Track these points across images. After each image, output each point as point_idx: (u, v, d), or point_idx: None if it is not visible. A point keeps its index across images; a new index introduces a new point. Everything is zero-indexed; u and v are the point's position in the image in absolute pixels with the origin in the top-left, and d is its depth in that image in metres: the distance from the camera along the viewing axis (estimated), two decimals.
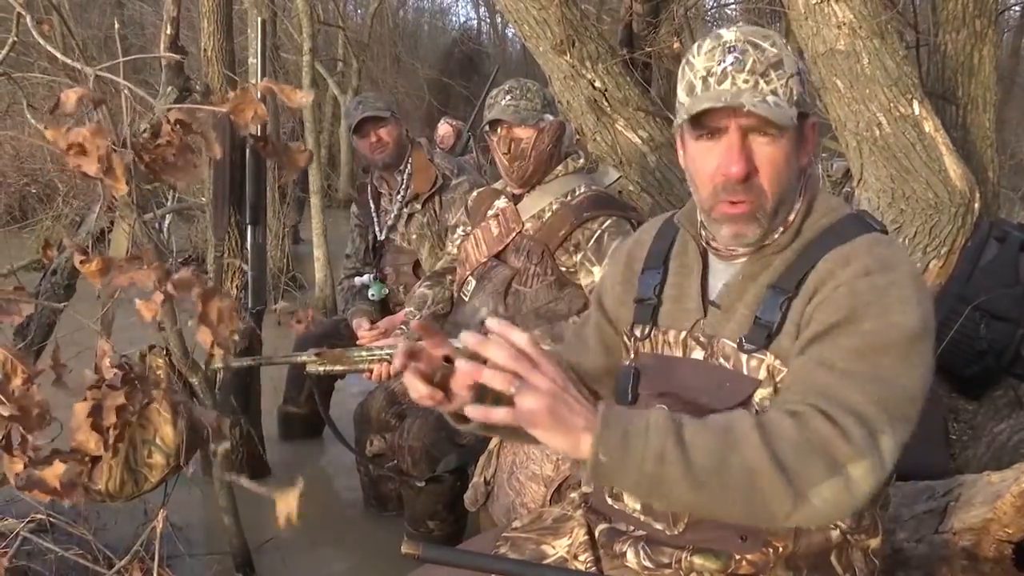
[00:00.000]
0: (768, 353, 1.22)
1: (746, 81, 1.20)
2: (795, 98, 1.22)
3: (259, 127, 1.06)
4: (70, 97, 1.02)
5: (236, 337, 1.04)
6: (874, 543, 1.30)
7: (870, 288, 1.16)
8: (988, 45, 2.64)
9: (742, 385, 1.24)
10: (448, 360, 1.18)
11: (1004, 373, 2.40)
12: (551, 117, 2.46)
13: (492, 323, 1.07)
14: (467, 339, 1.06)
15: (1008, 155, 7.05)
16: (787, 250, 1.28)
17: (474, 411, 1.05)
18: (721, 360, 1.27)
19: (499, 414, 1.03)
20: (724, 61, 1.21)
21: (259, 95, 1.11)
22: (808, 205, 1.29)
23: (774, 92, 1.20)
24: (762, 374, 1.23)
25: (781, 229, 1.28)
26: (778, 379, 1.21)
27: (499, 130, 2.43)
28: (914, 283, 1.19)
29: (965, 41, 2.63)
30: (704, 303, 1.32)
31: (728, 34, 1.24)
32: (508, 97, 2.42)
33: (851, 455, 1.04)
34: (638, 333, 1.39)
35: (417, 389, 1.18)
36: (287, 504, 1.02)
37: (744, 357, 1.24)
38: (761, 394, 1.22)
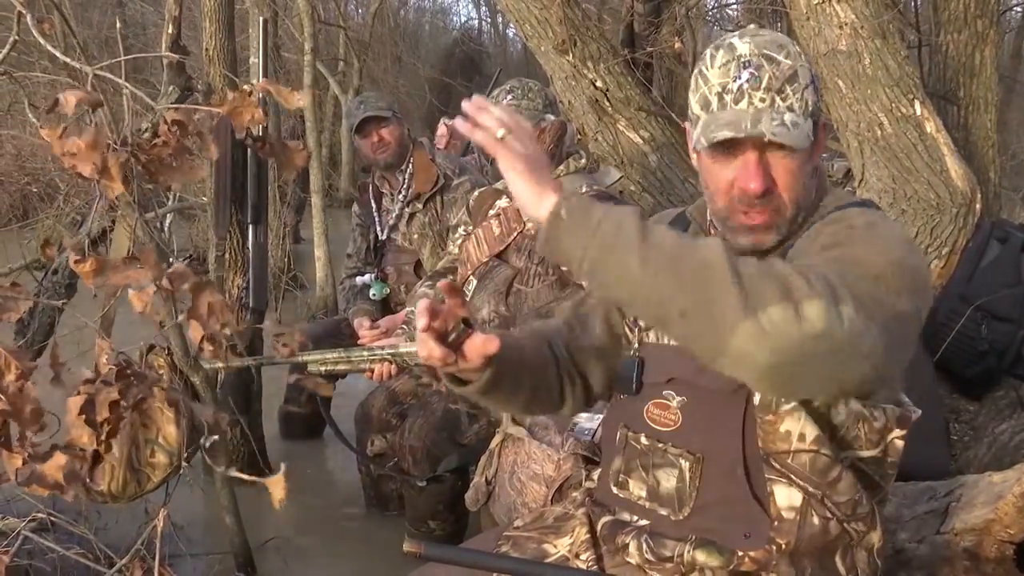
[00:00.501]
0: None
1: (763, 100, 1.20)
2: (810, 109, 1.23)
3: (258, 128, 1.06)
4: (69, 100, 1.02)
5: (227, 331, 1.04)
6: (875, 541, 1.30)
7: (854, 230, 1.19)
8: (989, 46, 2.64)
9: None
10: (466, 323, 1.21)
11: (1005, 374, 2.40)
12: (552, 117, 2.46)
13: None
14: (471, 105, 1.17)
15: (1009, 156, 7.04)
16: (793, 238, 1.28)
17: (460, 124, 1.17)
18: None
19: (483, 136, 1.15)
20: (740, 77, 1.21)
21: (259, 95, 1.11)
22: (819, 199, 1.31)
23: (791, 108, 1.21)
24: None
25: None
26: None
27: None
28: (903, 237, 1.22)
29: (967, 42, 2.63)
30: None
31: (742, 46, 1.23)
32: (510, 97, 2.42)
33: (808, 294, 1.00)
34: (643, 322, 1.40)
35: (430, 349, 1.19)
36: (277, 488, 1.03)
37: None
38: None
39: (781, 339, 0.99)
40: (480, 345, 1.19)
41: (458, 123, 1.19)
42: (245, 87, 1.16)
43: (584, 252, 1.07)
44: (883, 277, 1.10)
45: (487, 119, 1.15)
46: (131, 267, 1.06)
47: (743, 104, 1.21)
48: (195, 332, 1.05)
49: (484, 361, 1.22)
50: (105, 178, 1.00)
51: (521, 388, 1.35)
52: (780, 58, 1.22)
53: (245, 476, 1.13)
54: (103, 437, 1.26)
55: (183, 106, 1.05)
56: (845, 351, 1.02)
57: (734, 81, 1.21)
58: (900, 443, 1.29)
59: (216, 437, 1.29)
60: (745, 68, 1.21)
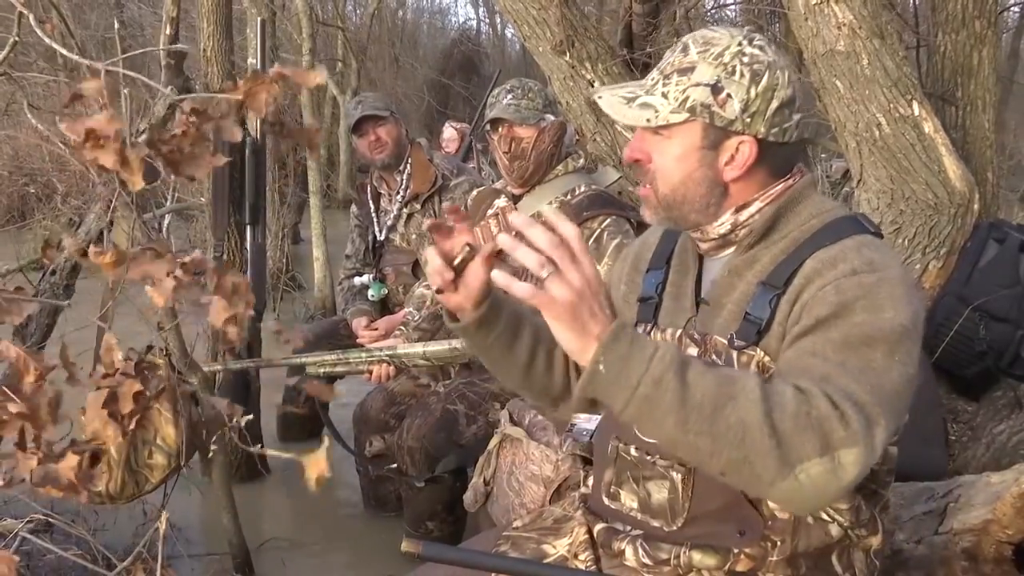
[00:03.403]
0: (758, 350, 1.23)
1: (653, 79, 1.27)
2: (688, 104, 1.23)
3: (271, 111, 1.04)
4: (91, 86, 1.01)
5: (252, 313, 1.02)
6: (875, 543, 1.30)
7: (858, 285, 1.16)
8: (988, 46, 2.64)
9: None
10: (471, 247, 1.19)
11: (1003, 374, 2.40)
12: (552, 117, 2.46)
13: (547, 210, 1.10)
14: (515, 219, 1.07)
15: (1007, 156, 7.05)
16: (774, 248, 1.27)
17: (499, 276, 1.09)
18: (713, 357, 1.27)
19: (522, 288, 1.04)
20: (666, 57, 1.29)
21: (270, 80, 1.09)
22: (776, 211, 1.28)
23: (664, 95, 1.25)
24: (752, 370, 1.23)
25: (728, 227, 1.29)
26: (767, 376, 1.22)
27: (500, 129, 2.43)
28: (903, 284, 1.19)
29: (964, 42, 2.63)
30: (696, 300, 1.33)
31: (691, 34, 1.29)
32: (510, 96, 2.42)
33: (846, 440, 1.03)
34: (639, 331, 1.39)
35: (433, 262, 1.18)
36: (318, 465, 0.98)
37: (735, 354, 1.24)
38: None
39: (819, 492, 1.05)
40: (480, 269, 1.18)
41: (496, 275, 1.10)
42: (256, 68, 1.15)
43: (623, 407, 1.06)
44: (892, 345, 1.12)
45: (526, 256, 1.05)
46: (149, 258, 1.04)
47: (645, 79, 1.29)
48: (218, 313, 1.02)
49: (483, 293, 1.21)
50: (126, 170, 0.98)
51: (519, 342, 1.33)
52: (693, 51, 1.25)
53: (281, 454, 1.07)
54: (129, 429, 1.25)
55: (199, 95, 1.03)
56: (874, 462, 1.08)
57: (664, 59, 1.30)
58: (893, 450, 1.29)
59: (250, 416, 1.27)
60: (672, 51, 1.28)
